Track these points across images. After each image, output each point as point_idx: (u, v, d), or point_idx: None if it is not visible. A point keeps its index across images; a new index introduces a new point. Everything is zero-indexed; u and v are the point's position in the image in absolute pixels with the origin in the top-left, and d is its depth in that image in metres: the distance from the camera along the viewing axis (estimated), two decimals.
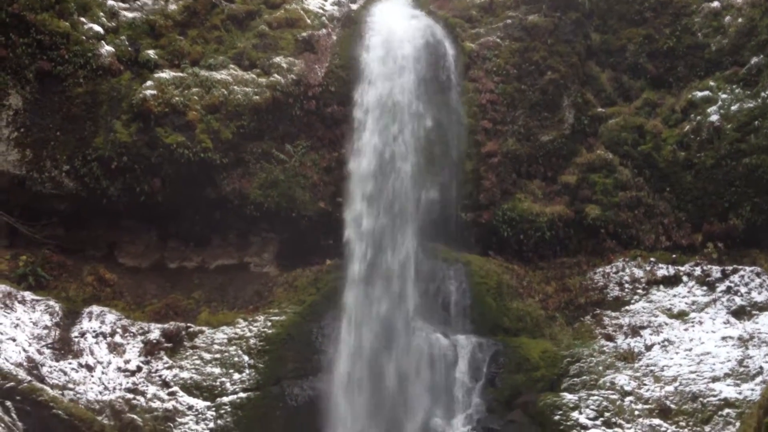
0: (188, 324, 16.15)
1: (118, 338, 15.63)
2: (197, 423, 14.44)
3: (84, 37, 17.74)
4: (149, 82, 17.72)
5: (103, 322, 15.81)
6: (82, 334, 15.43)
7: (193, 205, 17.65)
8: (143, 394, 14.58)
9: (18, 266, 16.50)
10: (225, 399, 14.89)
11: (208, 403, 14.79)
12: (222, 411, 14.69)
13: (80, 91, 17.53)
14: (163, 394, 14.73)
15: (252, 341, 15.82)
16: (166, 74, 17.91)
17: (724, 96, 18.06)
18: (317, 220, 17.93)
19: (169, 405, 14.54)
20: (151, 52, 18.21)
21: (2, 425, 11.09)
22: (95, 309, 16.10)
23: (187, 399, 14.78)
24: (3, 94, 17.04)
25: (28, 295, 15.78)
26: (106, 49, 17.81)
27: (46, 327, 15.26)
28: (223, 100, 17.81)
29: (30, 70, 17.23)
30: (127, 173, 17.31)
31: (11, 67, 17.12)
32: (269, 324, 16.12)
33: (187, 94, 17.69)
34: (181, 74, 18.01)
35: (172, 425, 14.26)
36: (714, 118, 17.78)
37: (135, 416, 13.96)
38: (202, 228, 18.02)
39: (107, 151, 17.25)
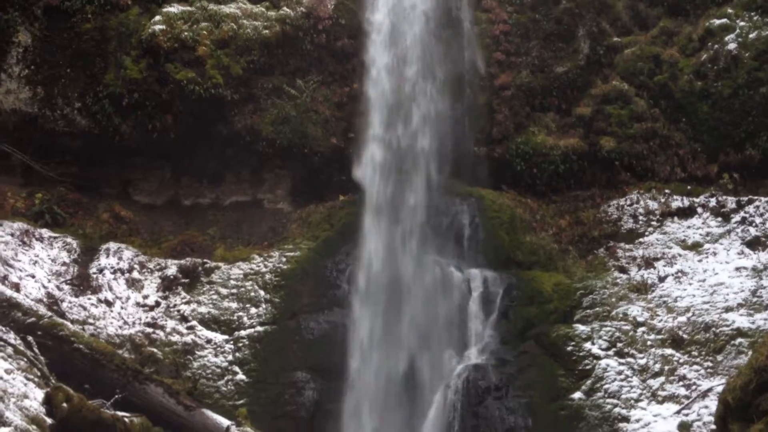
0: (204, 260, 16.30)
1: (135, 274, 15.82)
2: (216, 356, 14.70)
3: None
4: (158, 17, 17.53)
5: (120, 259, 15.99)
6: (101, 271, 15.62)
7: (206, 141, 17.64)
8: (162, 328, 14.81)
9: (34, 204, 16.62)
10: (243, 333, 15.11)
11: (226, 337, 15.02)
12: (240, 344, 14.93)
13: (89, 26, 17.36)
14: (181, 328, 14.97)
15: (267, 276, 15.98)
16: (174, 8, 17.69)
17: (742, 24, 17.69)
18: (330, 156, 17.88)
19: (188, 339, 14.78)
20: None
21: (25, 359, 11.28)
22: (112, 246, 16.26)
23: (205, 333, 15.02)
24: (12, 31, 16.90)
25: (46, 233, 15.93)
26: None
27: (64, 264, 15.45)
28: (233, 35, 17.61)
29: (38, 6, 17.06)
30: (139, 110, 17.27)
31: (19, 3, 16.96)
32: (284, 260, 16.25)
33: (196, 29, 17.49)
34: (189, 8, 17.79)
35: (191, 358, 14.52)
36: (731, 46, 17.45)
37: (155, 350, 14.20)
38: (215, 165, 18.03)
39: (118, 87, 17.19)
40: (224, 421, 12.02)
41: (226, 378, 14.42)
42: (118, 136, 17.40)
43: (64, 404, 10.22)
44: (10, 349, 11.21)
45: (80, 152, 17.61)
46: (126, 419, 11.05)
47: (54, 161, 17.25)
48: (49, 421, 10.02)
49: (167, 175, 18.16)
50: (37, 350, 11.64)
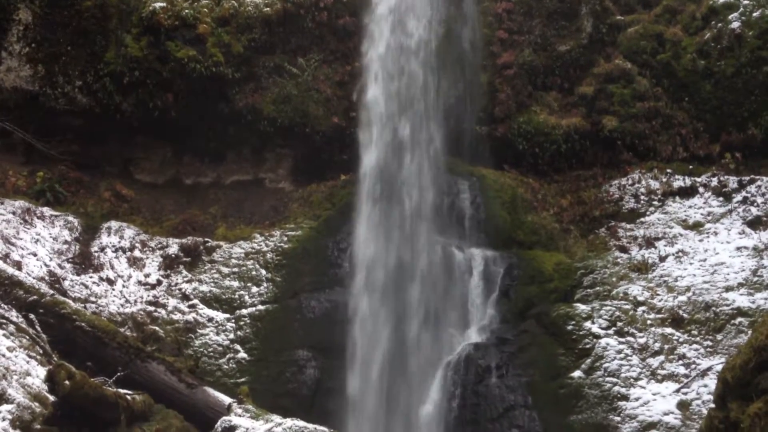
0: (206, 239, 16.33)
1: (137, 253, 15.85)
2: (218, 334, 14.77)
3: None
4: None
5: (122, 237, 16.02)
6: (102, 249, 15.65)
7: (207, 120, 17.61)
8: (164, 306, 14.87)
9: (35, 182, 16.63)
10: (244, 311, 15.17)
11: (227, 315, 15.08)
12: (241, 323, 14.99)
13: (89, 4, 17.24)
14: (183, 306, 15.02)
15: (269, 256, 16.01)
16: None
17: (746, 2, 17.55)
18: (331, 135, 17.85)
19: (189, 317, 14.85)
20: None
21: (27, 337, 11.33)
22: (114, 224, 16.29)
23: (207, 311, 15.07)
24: (12, 8, 16.81)
25: (47, 211, 15.94)
26: None
27: (66, 242, 15.47)
28: (234, 12, 17.52)
29: None
30: (140, 88, 17.23)
31: None
32: (285, 239, 16.27)
33: (197, 6, 17.41)
34: None
35: (193, 336, 14.59)
36: (735, 24, 17.33)
37: (157, 328, 14.25)
38: (216, 144, 18.01)
39: (119, 65, 17.14)
40: (226, 399, 12.09)
41: (227, 356, 14.49)
42: (119, 115, 17.37)
43: (67, 382, 10.28)
44: (12, 327, 11.27)
45: (81, 131, 17.58)
46: (128, 396, 11.13)
47: (55, 139, 17.21)
48: (51, 398, 10.10)
49: (168, 153, 18.15)
50: (39, 328, 11.69)
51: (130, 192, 17.44)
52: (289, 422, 10.71)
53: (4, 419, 9.32)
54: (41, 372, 10.54)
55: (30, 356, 10.85)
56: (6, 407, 9.47)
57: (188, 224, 16.95)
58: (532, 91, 18.03)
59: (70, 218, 16.04)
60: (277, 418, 10.92)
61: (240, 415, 11.16)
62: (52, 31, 17.15)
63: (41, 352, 11.26)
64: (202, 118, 17.53)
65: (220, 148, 18.10)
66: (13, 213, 15.28)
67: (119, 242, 15.90)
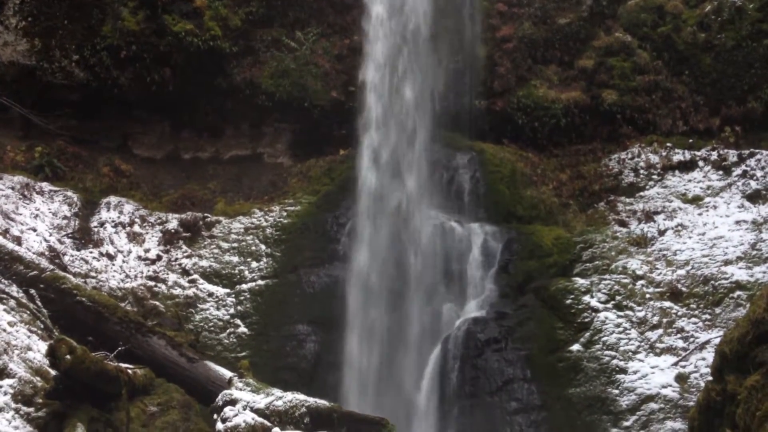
0: (205, 214, 16.34)
1: (137, 228, 15.85)
2: (218, 309, 14.81)
3: None
4: None
5: (121, 212, 16.01)
6: (102, 224, 15.65)
7: (205, 95, 17.54)
8: (164, 281, 14.90)
9: (34, 157, 16.60)
10: (244, 286, 15.21)
11: (227, 290, 15.13)
12: (241, 297, 15.04)
13: None
14: (183, 281, 15.06)
15: (268, 231, 16.02)
16: None
17: None
18: (330, 109, 17.78)
19: (189, 292, 14.88)
20: None
21: (28, 312, 11.34)
22: (113, 199, 16.28)
23: (207, 286, 15.11)
24: None
25: (46, 186, 15.93)
26: None
27: (65, 217, 15.47)
28: None
29: None
30: (137, 62, 17.14)
31: None
32: (285, 214, 16.28)
33: None
34: None
35: (193, 311, 14.64)
36: None
37: (157, 303, 14.29)
38: (214, 118, 17.96)
39: (115, 39, 17.03)
40: (227, 373, 12.12)
41: (228, 330, 14.55)
42: (116, 89, 17.29)
43: (68, 356, 10.27)
44: (12, 302, 11.28)
45: (79, 105, 17.52)
46: (129, 371, 11.15)
47: (53, 114, 17.15)
48: (52, 372, 10.11)
49: (167, 128, 18.10)
50: (39, 303, 11.69)
51: (129, 167, 17.42)
52: (289, 396, 10.75)
53: (5, 393, 9.37)
54: (42, 346, 10.56)
55: (31, 331, 10.88)
56: (7, 381, 9.51)
57: (187, 199, 16.95)
58: (532, 65, 17.95)
59: (69, 193, 16.03)
60: (277, 392, 10.97)
61: (241, 389, 11.21)
62: (48, 4, 16.96)
63: (42, 326, 11.28)
64: (200, 93, 17.47)
65: (219, 123, 18.05)
66: (12, 188, 15.26)
67: (119, 217, 15.90)
